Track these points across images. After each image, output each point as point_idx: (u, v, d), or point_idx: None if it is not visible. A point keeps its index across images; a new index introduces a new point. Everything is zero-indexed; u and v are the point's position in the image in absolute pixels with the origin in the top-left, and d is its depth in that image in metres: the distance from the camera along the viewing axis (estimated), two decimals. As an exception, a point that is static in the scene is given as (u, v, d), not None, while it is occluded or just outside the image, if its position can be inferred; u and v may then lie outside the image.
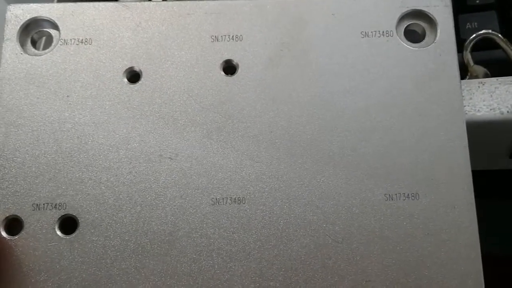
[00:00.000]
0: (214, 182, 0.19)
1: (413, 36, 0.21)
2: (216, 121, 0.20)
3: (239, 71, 0.21)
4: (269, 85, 0.20)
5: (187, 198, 0.19)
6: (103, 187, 0.19)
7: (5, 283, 0.19)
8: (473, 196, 0.19)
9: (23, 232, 0.19)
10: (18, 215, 0.19)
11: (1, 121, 0.20)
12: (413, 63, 0.20)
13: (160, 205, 0.19)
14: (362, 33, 0.21)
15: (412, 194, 0.19)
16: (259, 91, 0.20)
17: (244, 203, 0.19)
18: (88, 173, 0.19)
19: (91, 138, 0.20)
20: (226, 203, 0.19)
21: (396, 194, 0.19)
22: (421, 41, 0.21)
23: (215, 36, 0.21)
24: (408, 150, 0.19)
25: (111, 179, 0.19)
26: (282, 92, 0.20)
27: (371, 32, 0.21)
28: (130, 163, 0.20)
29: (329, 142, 0.20)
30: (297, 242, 0.19)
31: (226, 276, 0.18)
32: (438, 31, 0.21)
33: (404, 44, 0.21)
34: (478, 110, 0.30)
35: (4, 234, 0.19)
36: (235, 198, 0.19)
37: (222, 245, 0.19)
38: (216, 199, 0.19)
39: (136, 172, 0.19)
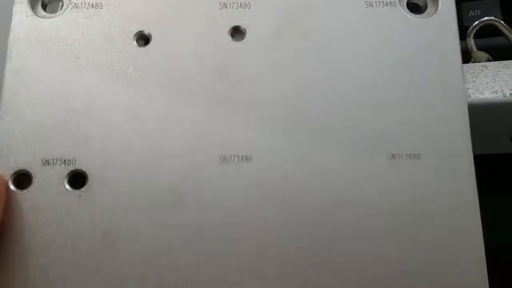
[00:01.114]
0: (222, 140, 0.20)
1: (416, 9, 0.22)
2: (223, 85, 0.20)
3: (246, 37, 0.21)
4: (276, 52, 0.21)
5: (195, 155, 0.20)
6: (112, 144, 0.20)
7: (13, 236, 0.19)
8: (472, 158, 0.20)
9: (32, 186, 0.19)
10: (27, 169, 0.19)
11: (11, 81, 0.20)
12: (415, 32, 0.21)
13: (168, 161, 0.19)
14: (367, 3, 0.21)
15: (415, 155, 0.20)
16: (266, 57, 0.21)
17: (251, 161, 0.19)
18: (97, 130, 0.20)
19: (100, 98, 0.20)
20: (233, 160, 0.19)
21: (399, 154, 0.19)
22: (422, 12, 0.22)
23: (224, 3, 0.21)
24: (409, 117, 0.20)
25: (120, 136, 0.20)
26: (288, 60, 0.21)
27: (375, 2, 0.21)
28: (138, 122, 0.20)
29: (334, 110, 0.20)
30: (303, 203, 0.19)
31: (232, 230, 0.19)
32: (440, 2, 0.21)
33: (407, 14, 0.21)
34: (482, 93, 0.31)
35: (13, 187, 0.19)
36: (242, 156, 0.20)
37: (228, 201, 0.19)
38: (224, 156, 0.20)
39: (144, 130, 0.20)
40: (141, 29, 0.21)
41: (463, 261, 0.18)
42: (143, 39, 0.21)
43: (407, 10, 0.22)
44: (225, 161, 0.19)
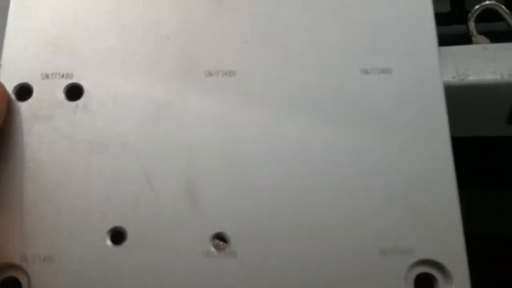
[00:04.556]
0: (207, 55, 0.21)
1: None
2: (209, 6, 0.22)
3: None
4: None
5: (183, 71, 0.21)
6: (106, 60, 0.21)
7: (14, 142, 0.20)
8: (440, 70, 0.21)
9: (32, 98, 0.21)
10: (29, 83, 0.21)
11: (16, 6, 0.22)
12: None
13: (157, 74, 0.21)
14: None
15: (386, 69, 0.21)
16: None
17: (235, 76, 0.21)
18: (93, 48, 0.21)
19: (96, 21, 0.22)
20: (218, 75, 0.21)
21: (371, 69, 0.21)
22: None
23: None
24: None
25: (114, 54, 0.21)
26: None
27: None
28: (132, 40, 0.22)
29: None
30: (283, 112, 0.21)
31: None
32: None
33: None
34: (480, 73, 0.32)
35: (14, 99, 0.21)
36: (226, 71, 0.21)
37: (212, 115, 0.21)
38: (209, 72, 0.21)
39: (136, 47, 0.21)
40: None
41: (431, 156, 0.20)
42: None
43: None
44: (210, 75, 0.21)
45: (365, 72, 0.21)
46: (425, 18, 0.21)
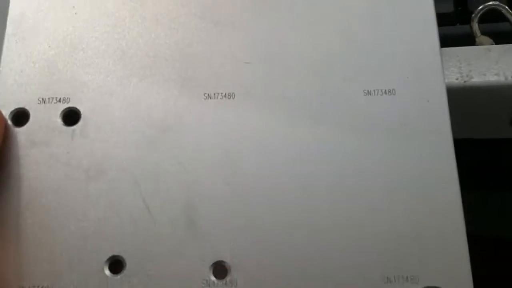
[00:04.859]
0: (206, 77, 0.21)
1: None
2: (208, 27, 0.22)
3: None
4: None
5: (181, 95, 0.21)
6: (104, 84, 0.21)
7: (11, 168, 0.20)
8: (445, 90, 0.20)
9: (29, 123, 0.21)
10: (25, 108, 0.21)
11: (12, 30, 0.22)
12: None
13: (155, 97, 0.21)
14: None
15: (389, 90, 0.21)
16: (248, 3, 0.22)
17: (234, 98, 0.21)
18: (90, 72, 0.21)
19: (93, 43, 0.22)
20: (217, 97, 0.21)
21: (374, 90, 0.21)
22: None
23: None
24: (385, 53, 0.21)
25: (111, 77, 0.21)
26: (269, 5, 0.22)
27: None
28: (129, 63, 0.21)
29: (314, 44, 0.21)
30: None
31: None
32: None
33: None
34: (484, 75, 0.32)
35: (11, 124, 0.21)
36: (225, 94, 0.21)
37: (211, 139, 0.20)
38: (208, 94, 0.21)
39: (134, 71, 0.21)
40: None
41: (436, 181, 0.19)
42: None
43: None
44: (209, 98, 0.21)
45: (368, 93, 0.20)
46: (430, 39, 0.21)
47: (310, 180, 0.20)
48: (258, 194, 0.20)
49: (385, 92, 0.21)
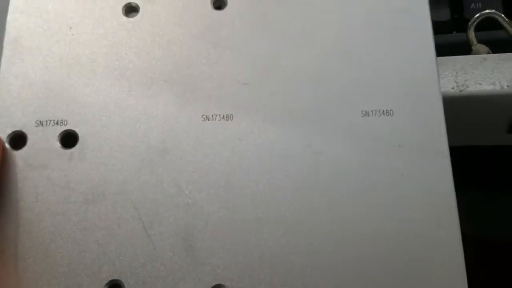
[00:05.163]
0: (205, 99, 0.21)
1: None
2: (206, 49, 0.22)
3: (227, 6, 0.22)
4: (255, 19, 0.22)
5: (180, 116, 0.21)
6: (101, 105, 0.21)
7: (9, 192, 0.20)
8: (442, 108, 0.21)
9: (26, 146, 0.20)
10: (23, 130, 0.21)
11: (9, 51, 0.22)
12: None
13: (154, 119, 0.21)
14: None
15: (387, 111, 0.21)
16: (246, 24, 0.22)
17: (232, 120, 0.21)
18: (88, 93, 0.21)
19: (91, 66, 0.21)
20: (215, 119, 0.21)
21: (372, 111, 0.21)
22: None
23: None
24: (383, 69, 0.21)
25: (109, 99, 0.21)
26: (267, 25, 0.22)
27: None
28: (127, 84, 0.21)
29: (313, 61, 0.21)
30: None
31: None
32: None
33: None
34: (480, 84, 0.32)
35: (9, 148, 0.20)
36: (223, 115, 0.21)
37: (209, 161, 0.20)
38: (206, 116, 0.21)
39: (132, 92, 0.21)
40: (129, 1, 0.22)
41: (433, 197, 0.19)
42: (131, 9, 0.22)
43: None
44: (207, 119, 0.21)
45: (366, 114, 0.20)
46: (427, 59, 0.21)
47: (310, 203, 0.20)
48: (258, 219, 0.20)
49: (383, 113, 0.21)
